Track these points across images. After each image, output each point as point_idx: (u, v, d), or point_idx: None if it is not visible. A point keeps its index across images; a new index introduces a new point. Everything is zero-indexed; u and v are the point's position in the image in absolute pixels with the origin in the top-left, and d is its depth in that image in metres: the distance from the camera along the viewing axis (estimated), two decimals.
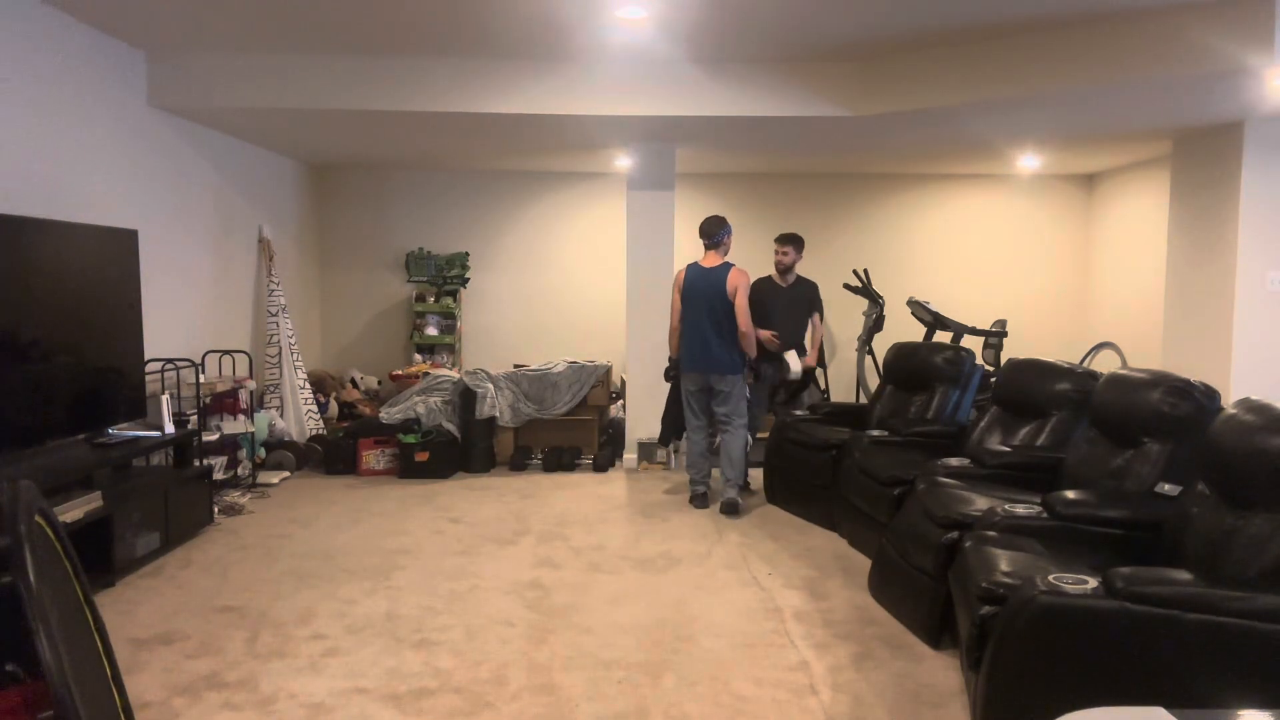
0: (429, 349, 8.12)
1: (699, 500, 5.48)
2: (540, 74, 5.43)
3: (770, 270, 6.27)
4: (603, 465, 6.56)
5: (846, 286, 7.65)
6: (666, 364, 5.69)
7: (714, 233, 5.38)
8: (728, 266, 5.30)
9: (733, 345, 5.29)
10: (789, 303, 6.00)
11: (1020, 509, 3.26)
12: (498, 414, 6.53)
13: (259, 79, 5.31)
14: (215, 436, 5.46)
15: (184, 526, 4.68)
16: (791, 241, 6.05)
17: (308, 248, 8.01)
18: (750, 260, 7.68)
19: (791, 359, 6.16)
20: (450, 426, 6.45)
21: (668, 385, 5.94)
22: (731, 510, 5.30)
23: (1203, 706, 2.32)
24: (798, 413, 5.77)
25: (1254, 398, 2.86)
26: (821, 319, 6.33)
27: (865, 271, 7.74)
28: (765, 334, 6.18)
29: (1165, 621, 2.38)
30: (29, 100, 4.24)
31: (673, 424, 5.97)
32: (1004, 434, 4.40)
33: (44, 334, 4.01)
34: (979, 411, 4.94)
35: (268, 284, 6.72)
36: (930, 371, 5.35)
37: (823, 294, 8.13)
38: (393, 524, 5.08)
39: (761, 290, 6.06)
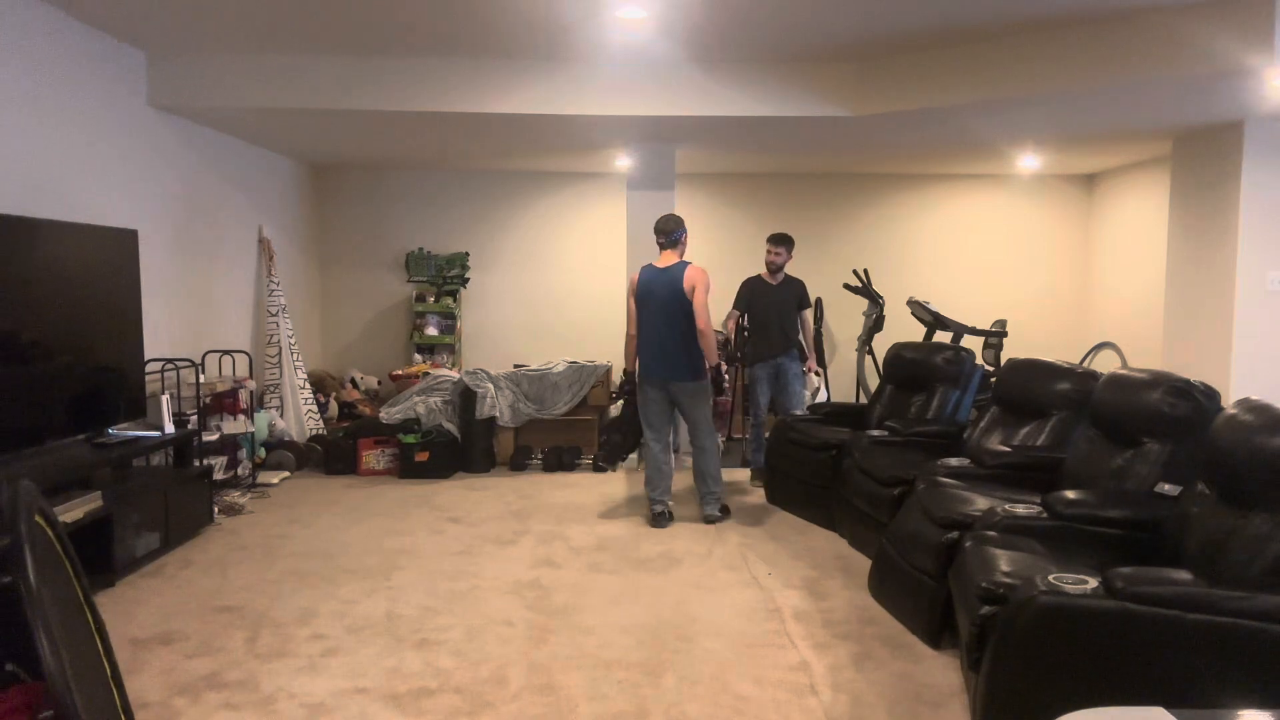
0: (429, 349, 8.12)
1: (658, 520, 5.05)
2: (540, 74, 5.43)
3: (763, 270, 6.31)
4: (603, 465, 6.56)
5: (846, 286, 7.65)
6: (621, 379, 5.33)
7: (671, 231, 5.03)
8: (684, 265, 4.98)
9: (693, 349, 4.95)
10: (780, 301, 6.06)
11: (1020, 509, 3.25)
12: (498, 414, 6.53)
13: (259, 79, 5.31)
14: (215, 436, 5.46)
15: (184, 526, 4.68)
16: (784, 242, 6.09)
17: (308, 248, 8.01)
18: (750, 260, 7.68)
19: (810, 379, 6.25)
20: (450, 426, 6.45)
21: (621, 404, 5.67)
22: (716, 521, 5.10)
23: (1203, 706, 2.32)
24: (797, 413, 5.77)
25: (1254, 398, 2.86)
26: (812, 316, 6.36)
27: (865, 271, 7.74)
28: (809, 364, 6.26)
29: (1165, 621, 2.38)
30: (29, 100, 4.24)
31: (620, 442, 5.82)
32: (1004, 434, 4.40)
33: (44, 334, 4.01)
34: (979, 411, 4.94)
35: (268, 284, 6.72)
36: (930, 371, 5.35)
37: (823, 294, 8.18)
38: (393, 524, 5.08)
39: (754, 289, 6.14)
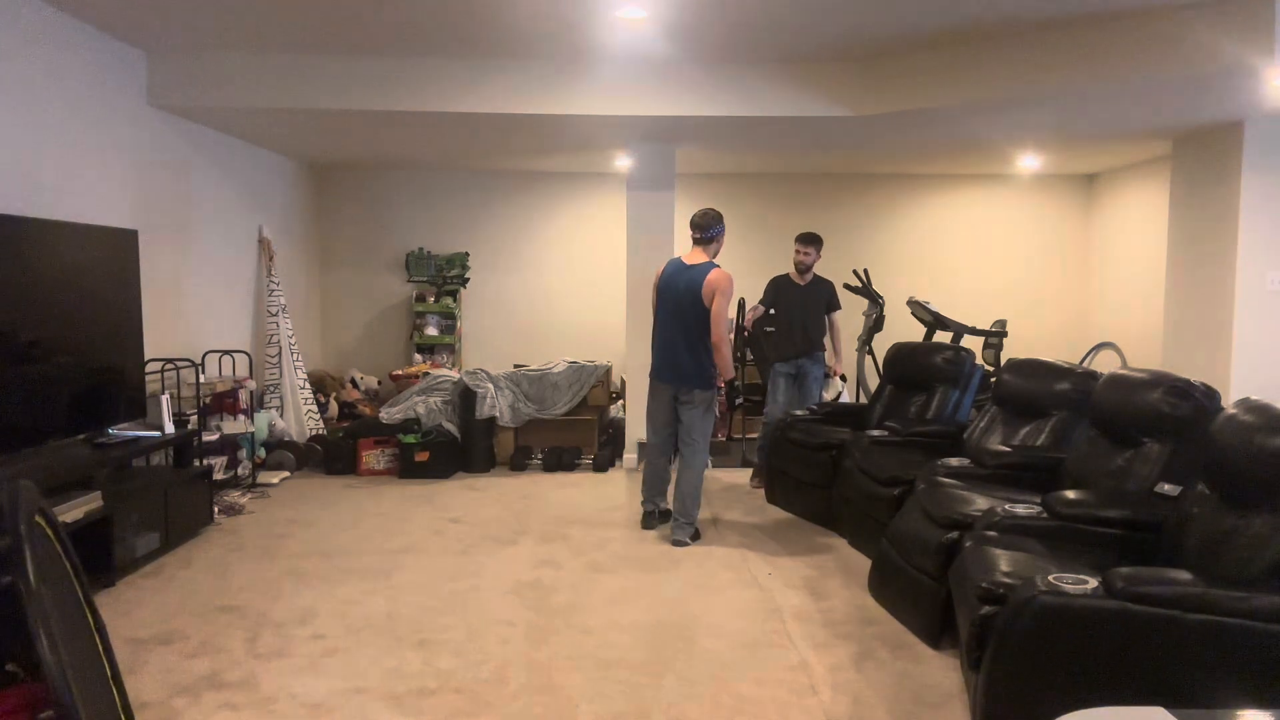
0: (429, 349, 8.12)
1: (647, 520, 4.95)
2: (540, 74, 5.43)
3: (775, 271, 6.27)
4: (603, 465, 6.56)
5: (846, 286, 7.63)
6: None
7: (708, 226, 4.73)
8: (709, 266, 4.65)
9: (704, 355, 4.65)
10: (807, 301, 5.98)
11: (1020, 509, 3.25)
12: (498, 414, 6.53)
13: (259, 79, 5.31)
14: (215, 436, 5.46)
15: (184, 526, 4.67)
16: (813, 241, 6.02)
17: (308, 248, 8.01)
18: (750, 261, 7.71)
19: (834, 382, 6.18)
20: (450, 426, 6.45)
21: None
22: (684, 546, 4.67)
23: (1203, 706, 2.32)
24: (797, 413, 5.77)
25: (1254, 398, 2.86)
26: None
27: (865, 271, 7.73)
28: (835, 367, 6.16)
29: (1165, 621, 2.38)
30: (29, 100, 4.24)
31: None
32: (1004, 434, 4.40)
33: (44, 334, 4.01)
34: (979, 411, 4.94)
35: (268, 284, 6.72)
36: (930, 371, 5.34)
37: None
38: (393, 524, 5.08)
39: (780, 288, 6.08)
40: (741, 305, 6.55)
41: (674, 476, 4.89)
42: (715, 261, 4.76)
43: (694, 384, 4.71)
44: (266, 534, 4.87)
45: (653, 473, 4.98)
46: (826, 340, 6.17)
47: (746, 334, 6.15)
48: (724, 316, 4.60)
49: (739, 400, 5.32)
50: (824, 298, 6.06)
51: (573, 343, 8.28)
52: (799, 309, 5.97)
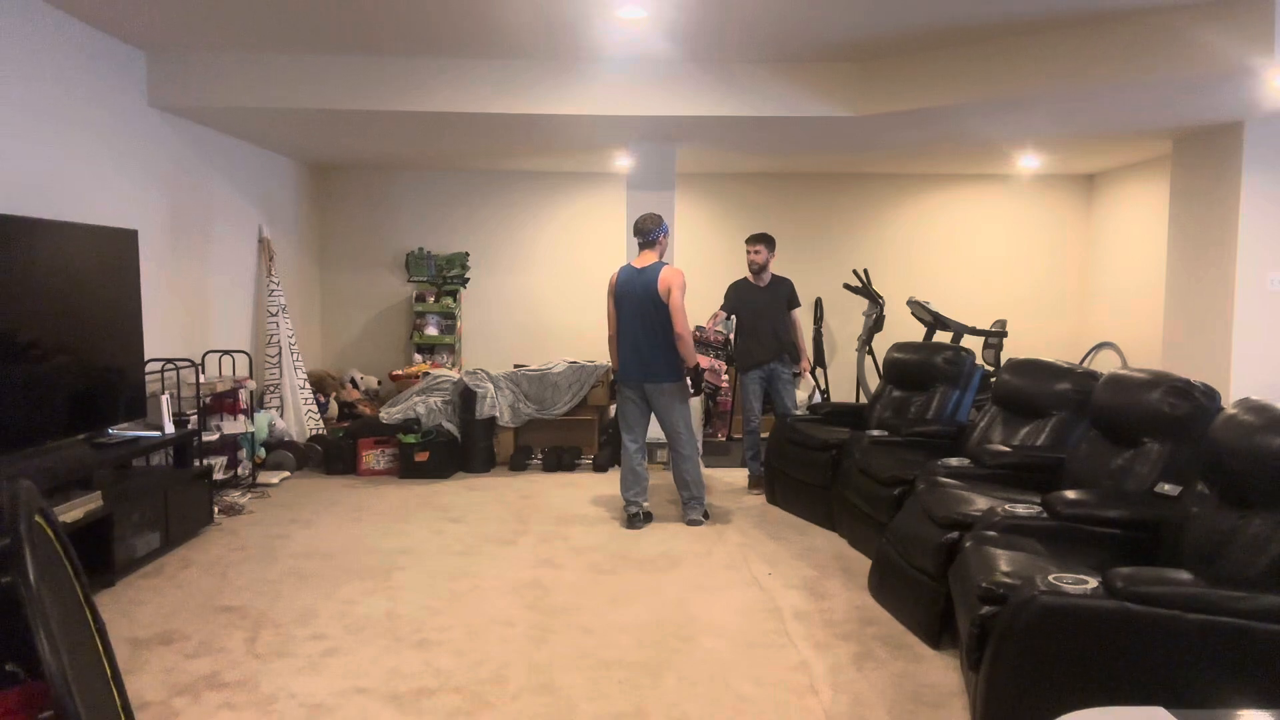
0: (429, 349, 8.12)
1: (633, 521, 5.03)
2: (540, 74, 5.43)
3: (778, 271, 6.24)
4: (603, 465, 6.56)
5: (846, 286, 7.65)
6: (613, 377, 5.30)
7: (649, 230, 5.01)
8: (660, 265, 4.96)
9: (670, 351, 4.94)
10: (769, 302, 5.88)
11: (1020, 509, 3.25)
12: (498, 414, 6.54)
13: (259, 79, 5.31)
14: (215, 436, 5.46)
15: (184, 526, 4.68)
16: (763, 240, 5.90)
17: (308, 248, 8.01)
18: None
19: (804, 379, 6.14)
20: (450, 426, 6.45)
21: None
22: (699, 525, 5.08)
23: (1203, 706, 2.32)
24: (797, 412, 5.75)
25: (1254, 398, 2.86)
26: (812, 316, 6.22)
27: (865, 271, 7.74)
28: (803, 364, 6.08)
29: (1165, 621, 2.38)
30: (29, 100, 4.24)
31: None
32: (1004, 434, 4.40)
33: (44, 334, 4.01)
34: (979, 411, 4.94)
35: (268, 284, 6.72)
36: (930, 371, 5.34)
37: (823, 294, 8.18)
38: (393, 524, 5.08)
39: (740, 293, 5.99)
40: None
41: (650, 475, 5.19)
42: (664, 260, 5.06)
43: (663, 378, 4.97)
44: (266, 534, 4.87)
45: (630, 471, 5.09)
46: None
47: (728, 343, 6.05)
48: (683, 309, 4.90)
49: (704, 385, 5.40)
50: (784, 297, 5.94)
51: (573, 343, 8.28)
52: (765, 312, 5.86)
